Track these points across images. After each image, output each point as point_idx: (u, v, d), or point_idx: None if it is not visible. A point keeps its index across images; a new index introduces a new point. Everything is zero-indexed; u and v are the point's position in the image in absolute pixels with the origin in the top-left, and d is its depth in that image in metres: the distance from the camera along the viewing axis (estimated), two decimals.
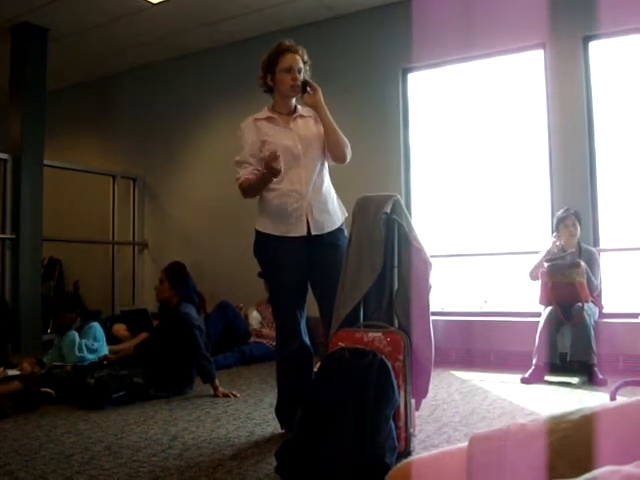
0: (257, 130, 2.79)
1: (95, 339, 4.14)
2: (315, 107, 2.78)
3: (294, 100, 2.86)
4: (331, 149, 2.81)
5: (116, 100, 7.36)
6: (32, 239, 5.80)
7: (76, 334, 4.07)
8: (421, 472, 0.81)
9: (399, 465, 0.86)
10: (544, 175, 4.96)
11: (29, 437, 2.82)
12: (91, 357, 4.05)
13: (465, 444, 0.81)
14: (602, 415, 0.75)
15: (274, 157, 2.56)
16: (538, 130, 5.04)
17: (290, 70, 2.75)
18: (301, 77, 2.77)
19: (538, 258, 4.40)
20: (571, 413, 0.78)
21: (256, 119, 2.83)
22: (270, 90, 2.86)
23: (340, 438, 2.12)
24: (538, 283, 4.35)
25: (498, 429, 0.81)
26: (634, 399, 0.78)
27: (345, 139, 2.81)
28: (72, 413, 3.32)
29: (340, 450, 2.10)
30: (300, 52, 2.80)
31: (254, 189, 2.76)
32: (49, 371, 3.81)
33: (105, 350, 4.25)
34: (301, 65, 2.78)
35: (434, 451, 0.88)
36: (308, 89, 2.76)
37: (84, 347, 4.05)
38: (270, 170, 2.59)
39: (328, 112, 2.79)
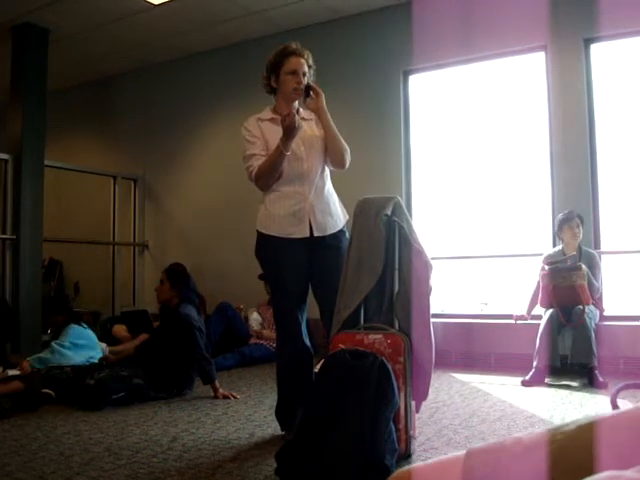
0: (261, 129, 2.79)
1: (68, 338, 4.04)
2: (317, 112, 2.78)
3: (296, 102, 2.86)
4: (331, 154, 2.80)
5: (117, 101, 7.37)
6: (32, 240, 5.79)
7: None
8: None
9: (397, 473, 0.85)
10: (545, 177, 4.96)
11: (29, 438, 2.82)
12: (67, 353, 3.96)
13: (461, 452, 0.81)
14: (599, 424, 0.75)
15: (291, 115, 2.54)
16: (539, 132, 5.04)
17: (295, 73, 2.74)
18: (305, 81, 2.77)
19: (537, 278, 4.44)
20: (567, 424, 0.78)
21: (259, 119, 2.82)
22: (273, 91, 2.86)
23: (340, 440, 2.11)
24: (539, 285, 4.36)
25: (494, 443, 0.81)
26: (631, 408, 0.77)
27: (345, 145, 2.81)
28: (72, 414, 3.32)
29: (340, 452, 2.09)
30: (306, 56, 2.79)
31: (271, 168, 2.67)
32: (48, 372, 3.79)
33: (96, 351, 4.18)
34: (306, 69, 2.77)
35: (433, 460, 0.88)
36: (311, 93, 2.76)
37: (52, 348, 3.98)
38: (288, 128, 2.55)
39: (330, 117, 2.79)
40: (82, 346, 4.08)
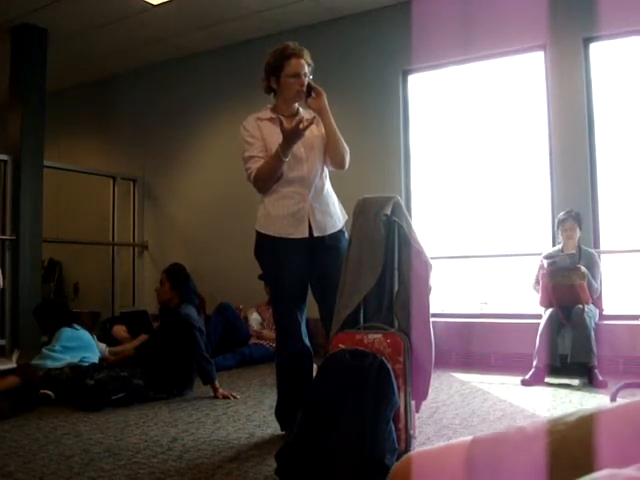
0: (260, 129, 2.78)
1: (59, 342, 3.96)
2: (319, 112, 2.76)
3: (296, 103, 2.85)
4: (331, 154, 2.79)
5: (116, 101, 7.37)
6: (32, 240, 5.80)
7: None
8: (422, 465, 0.82)
9: (401, 460, 0.86)
10: (544, 177, 4.97)
11: (28, 438, 2.81)
12: (58, 356, 3.90)
13: (467, 438, 0.81)
14: (599, 416, 0.75)
15: (299, 125, 2.54)
16: (538, 132, 5.04)
17: (297, 76, 2.72)
18: (306, 81, 2.75)
19: (536, 271, 4.43)
20: (569, 415, 0.78)
21: (258, 118, 2.81)
22: (272, 91, 2.85)
23: (340, 440, 2.11)
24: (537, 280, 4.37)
25: (498, 432, 0.81)
26: (632, 400, 0.78)
27: (345, 145, 2.80)
28: (72, 414, 3.32)
29: (340, 452, 2.09)
30: (305, 55, 2.76)
31: (270, 172, 2.67)
32: (48, 373, 3.77)
33: (90, 352, 4.14)
34: (306, 69, 2.74)
35: (436, 445, 0.88)
36: (312, 93, 2.75)
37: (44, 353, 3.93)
38: (293, 135, 2.55)
39: (332, 117, 2.78)
40: (73, 348, 4.00)
